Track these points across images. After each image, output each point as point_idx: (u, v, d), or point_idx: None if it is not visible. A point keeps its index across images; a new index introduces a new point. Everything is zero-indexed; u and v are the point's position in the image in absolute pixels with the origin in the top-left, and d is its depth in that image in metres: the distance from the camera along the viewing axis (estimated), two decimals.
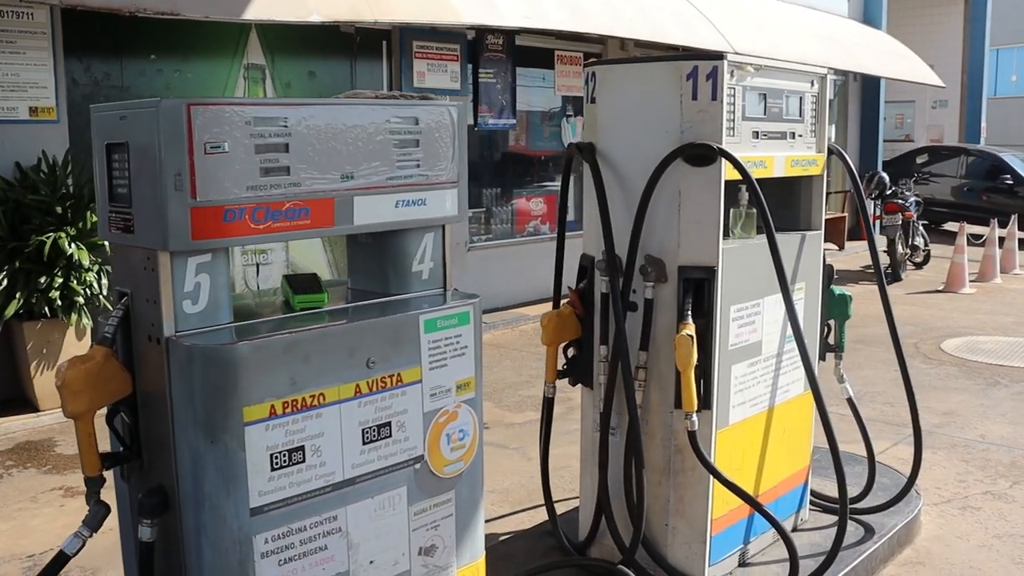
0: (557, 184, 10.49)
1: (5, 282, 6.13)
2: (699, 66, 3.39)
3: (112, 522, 2.48)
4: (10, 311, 6.09)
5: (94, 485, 2.35)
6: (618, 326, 3.54)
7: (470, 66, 9.45)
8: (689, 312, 3.45)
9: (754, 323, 3.73)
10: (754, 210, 3.63)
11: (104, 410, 2.37)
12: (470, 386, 2.67)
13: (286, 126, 2.27)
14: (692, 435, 3.44)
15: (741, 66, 3.46)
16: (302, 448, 2.30)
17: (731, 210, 3.66)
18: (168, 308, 2.21)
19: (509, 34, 9.54)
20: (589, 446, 3.92)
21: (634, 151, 3.59)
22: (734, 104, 3.44)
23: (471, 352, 2.65)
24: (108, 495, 2.43)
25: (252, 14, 6.47)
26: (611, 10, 9.17)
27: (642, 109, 3.56)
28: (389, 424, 2.48)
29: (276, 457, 2.25)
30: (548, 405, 4.03)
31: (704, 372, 3.50)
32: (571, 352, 3.94)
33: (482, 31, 9.27)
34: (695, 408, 3.42)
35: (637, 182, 3.55)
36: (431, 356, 2.56)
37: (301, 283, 2.55)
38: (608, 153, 3.68)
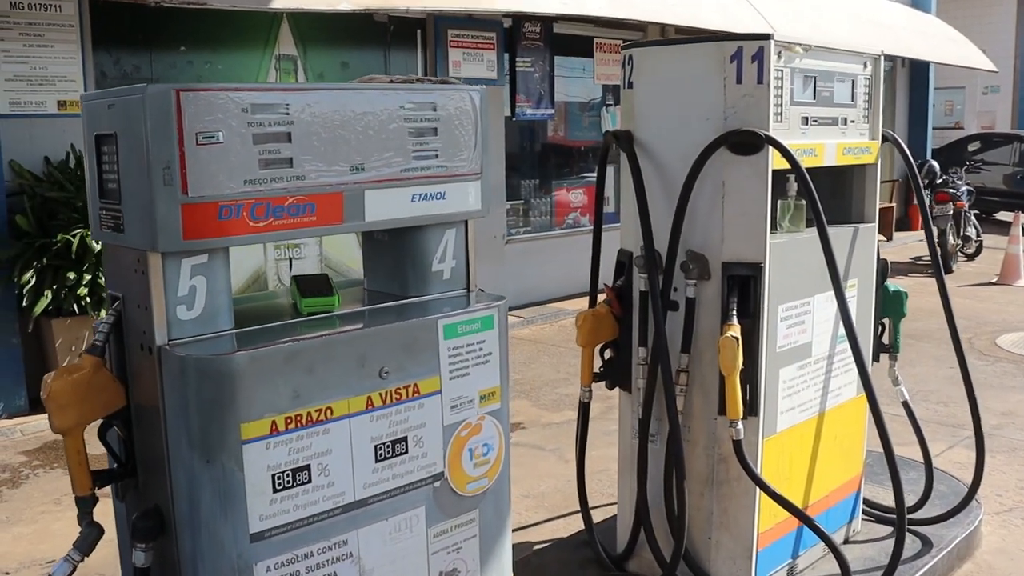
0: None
1: (34, 280, 6.02)
2: (744, 47, 3.14)
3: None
4: (39, 308, 5.99)
5: (85, 505, 2.17)
6: (657, 327, 3.31)
7: (507, 55, 9.21)
8: (734, 312, 3.21)
9: (804, 323, 3.47)
10: (803, 202, 3.38)
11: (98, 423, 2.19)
12: (495, 396, 2.45)
13: (288, 113, 2.06)
14: (737, 444, 3.20)
15: (789, 46, 3.20)
16: (308, 467, 2.10)
17: (779, 202, 3.41)
18: (160, 314, 2.02)
19: (547, 21, 9.28)
20: (627, 453, 3.70)
21: (674, 139, 3.34)
22: (781, 88, 3.19)
23: (496, 359, 2.44)
24: (107, 511, 2.25)
25: (280, 3, 6.30)
26: None
27: (682, 94, 3.31)
28: (405, 439, 2.27)
29: (278, 477, 2.06)
30: (584, 410, 3.80)
31: (750, 376, 3.26)
32: (608, 354, 3.71)
33: (519, 19, 9.03)
34: (740, 415, 3.18)
35: (678, 172, 3.30)
36: (452, 364, 2.34)
37: (310, 285, 2.34)
38: (646, 142, 3.44)
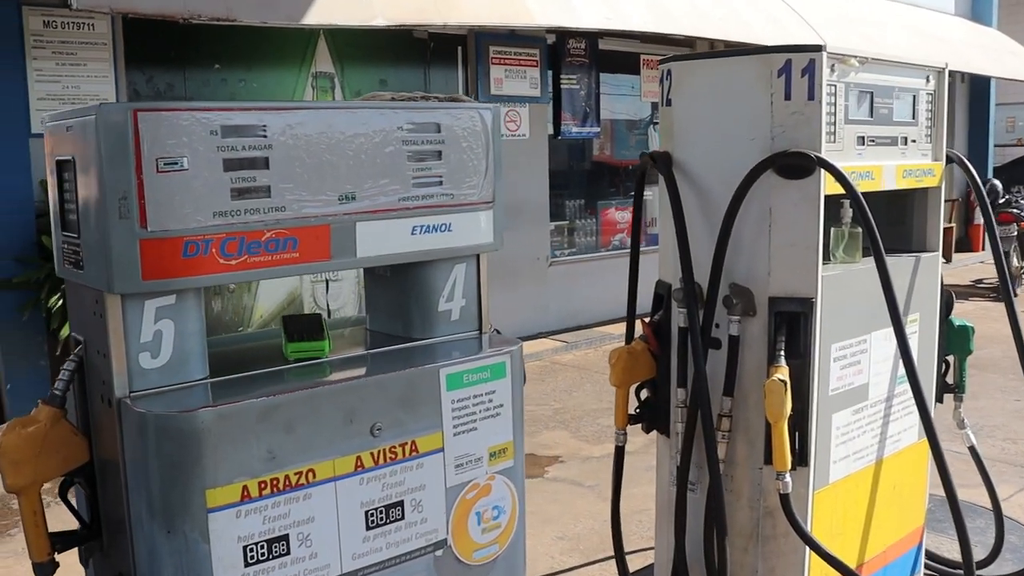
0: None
1: (61, 302, 5.89)
2: (793, 59, 2.84)
3: None
4: (66, 331, 5.84)
5: (43, 572, 1.93)
6: (697, 367, 3.00)
7: (550, 72, 8.96)
8: (782, 352, 2.89)
9: (859, 363, 3.14)
10: (859, 229, 3.06)
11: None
12: (507, 453, 2.18)
13: (265, 136, 1.82)
14: (785, 498, 2.88)
15: (843, 59, 2.89)
16: (286, 537, 1.84)
17: (832, 230, 3.09)
18: (120, 363, 1.78)
19: (591, 38, 9.03)
20: (665, 501, 3.39)
21: (716, 161, 3.05)
22: (835, 104, 2.88)
23: (508, 411, 2.17)
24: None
25: (313, 19, 6.13)
26: (698, 11, 8.58)
27: (725, 112, 3.02)
28: (401, 503, 2.00)
29: (251, 550, 1.80)
30: (618, 455, 3.51)
31: (800, 423, 2.94)
32: (645, 394, 3.42)
33: (563, 35, 8.78)
34: (788, 467, 2.86)
35: (720, 198, 3.00)
36: (456, 419, 2.08)
37: (298, 327, 2.10)
38: (686, 164, 3.14)
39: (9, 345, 5.87)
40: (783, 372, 2.84)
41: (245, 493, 1.78)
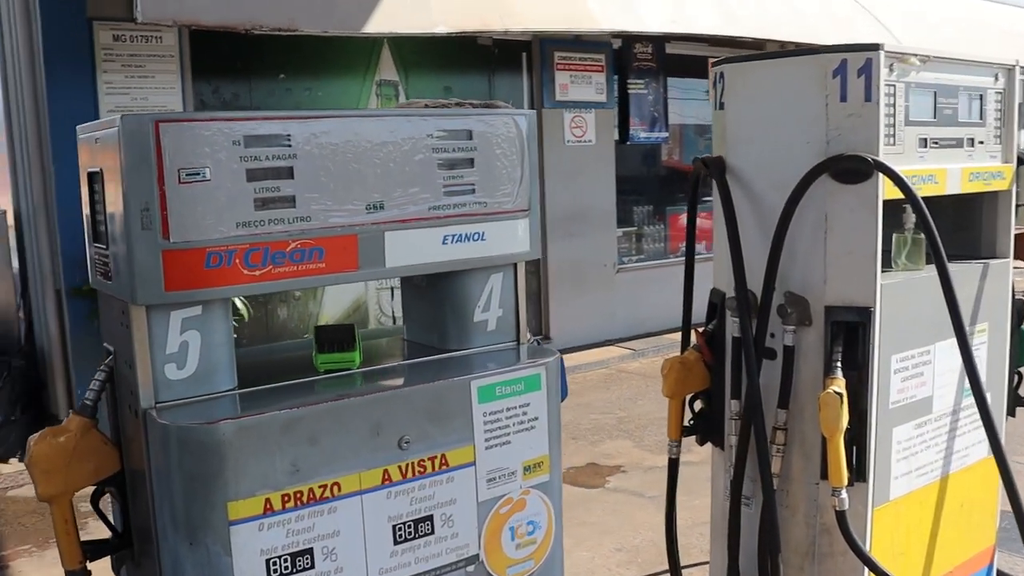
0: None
1: None
2: (848, 59, 2.73)
3: None
4: None
5: None
6: (750, 378, 2.90)
7: (616, 77, 8.87)
8: (838, 363, 2.78)
9: (923, 374, 3.00)
10: (922, 235, 2.92)
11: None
12: (543, 467, 2.12)
13: (289, 145, 1.80)
14: (841, 515, 2.76)
15: (903, 58, 2.77)
16: (310, 551, 1.82)
17: (893, 236, 2.96)
18: (145, 374, 1.78)
19: (658, 42, 8.91)
20: (719, 516, 3.29)
21: (770, 166, 2.94)
22: (894, 105, 2.76)
23: (544, 424, 2.11)
24: None
25: (374, 27, 6.16)
26: (766, 12, 8.39)
27: (779, 115, 2.91)
28: (430, 518, 1.96)
29: (274, 563, 1.78)
30: (672, 467, 3.42)
31: (857, 436, 2.81)
32: (699, 405, 3.33)
33: (629, 39, 8.69)
34: (845, 483, 2.75)
35: (774, 204, 2.90)
36: (488, 432, 2.03)
37: (330, 338, 2.07)
38: (739, 169, 3.05)
39: (79, 351, 6.01)
40: (839, 384, 2.72)
41: (268, 506, 1.76)
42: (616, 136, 8.97)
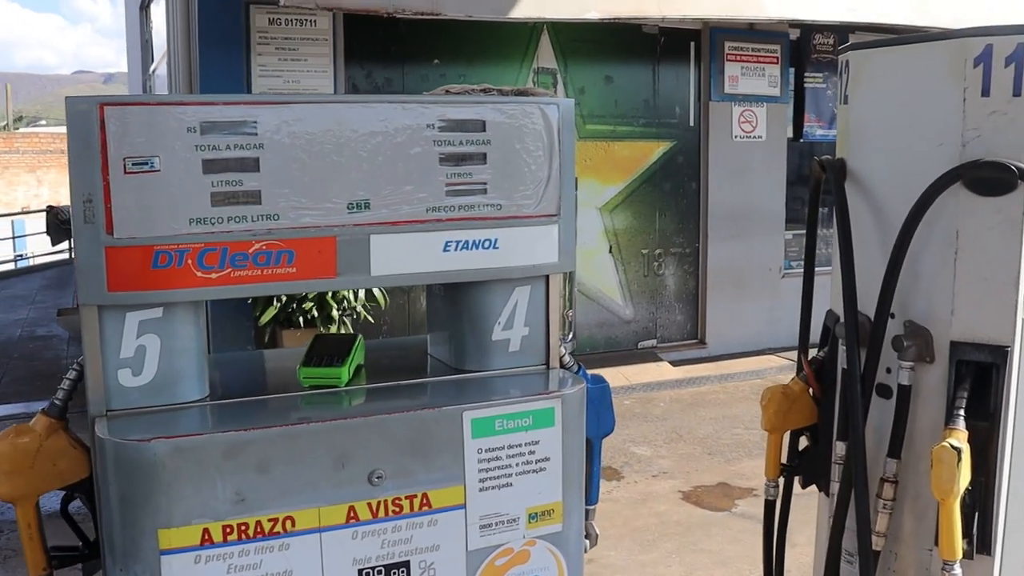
0: None
1: None
2: (994, 44, 2.25)
3: None
4: (266, 318, 6.06)
5: None
6: (853, 419, 2.47)
7: (792, 70, 8.26)
8: (962, 411, 2.31)
9: None
10: None
11: None
12: (553, 516, 1.83)
13: (255, 133, 1.59)
14: None
15: None
16: None
17: None
18: (96, 378, 1.63)
19: (841, 32, 8.21)
20: (819, 568, 2.88)
21: (895, 172, 2.50)
22: None
23: (557, 466, 1.82)
24: None
25: (522, 12, 5.93)
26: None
27: (906, 110, 2.46)
28: (406, 564, 1.72)
29: None
30: (768, 511, 3.01)
31: (983, 499, 2.35)
32: (805, 442, 2.91)
33: (808, 29, 8.06)
34: (958, 556, 2.28)
35: (898, 217, 2.45)
36: (484, 472, 1.76)
37: (323, 350, 1.86)
38: (861, 174, 2.61)
39: (218, 332, 6.15)
40: (959, 437, 2.26)
41: (206, 537, 1.57)
42: (789, 133, 8.36)
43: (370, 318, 6.50)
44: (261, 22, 6.28)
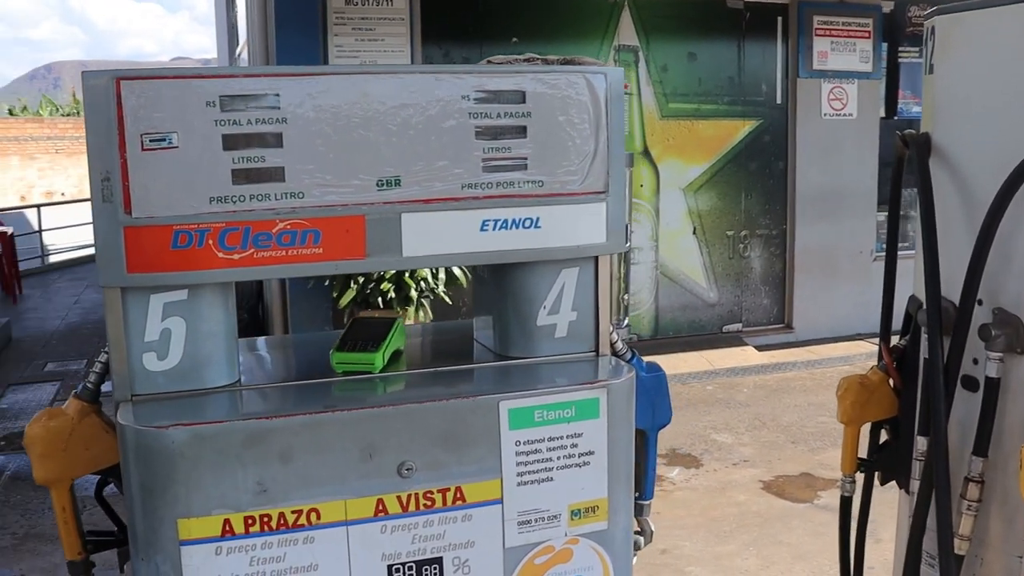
0: None
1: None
2: None
3: None
4: (345, 300, 6.06)
5: (77, 571, 1.81)
6: (934, 414, 2.29)
7: (885, 44, 7.90)
8: None
9: None
10: None
11: None
12: (598, 513, 1.72)
13: (278, 107, 1.51)
14: None
15: None
16: None
17: None
18: (120, 362, 1.58)
19: (938, 2, 7.82)
20: (899, 570, 2.70)
21: (984, 144, 2.30)
22: None
23: (603, 460, 1.70)
24: None
25: None
26: None
27: (999, 78, 2.26)
28: (439, 560, 1.63)
29: None
30: (844, 508, 2.84)
31: None
32: (884, 435, 2.73)
33: (903, 1, 7.69)
34: None
35: (987, 193, 2.27)
36: (522, 465, 1.66)
37: (359, 333, 1.78)
38: (947, 150, 2.42)
39: (297, 312, 6.19)
40: None
41: (227, 528, 1.51)
42: (882, 110, 8.00)
43: (447, 299, 6.46)
44: (338, 3, 6.27)
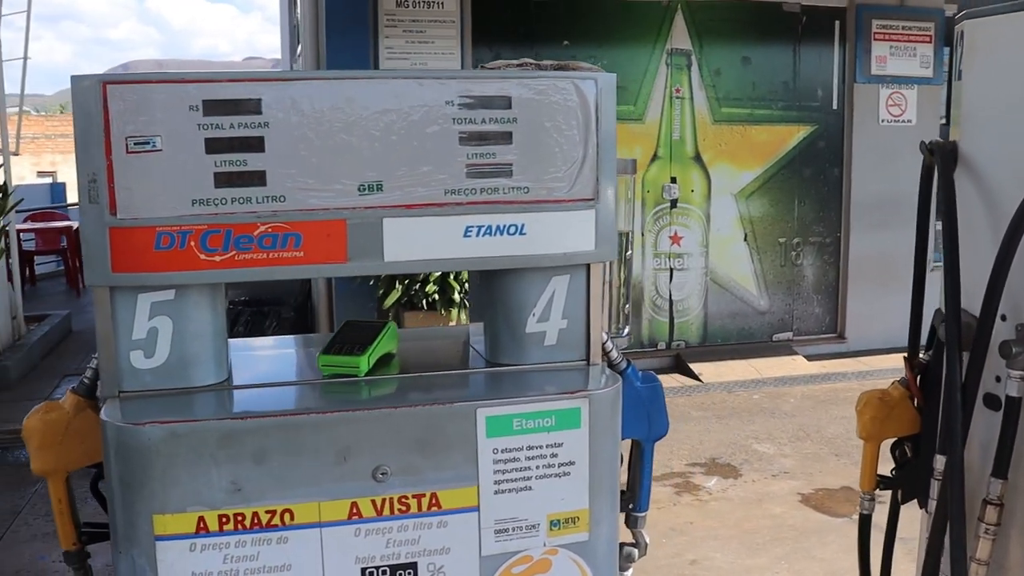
0: None
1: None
2: None
3: None
4: (390, 301, 6.11)
5: (71, 561, 1.86)
6: (950, 432, 2.23)
7: (946, 49, 7.70)
8: None
9: None
10: None
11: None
12: (578, 524, 1.71)
13: (260, 112, 1.53)
14: None
15: None
16: None
17: None
18: (108, 359, 1.62)
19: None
20: None
21: (1010, 153, 2.23)
22: None
23: (583, 471, 1.69)
24: None
25: None
26: None
27: None
28: (414, 566, 1.63)
29: None
30: (863, 526, 2.77)
31: None
32: (905, 452, 2.66)
33: (965, 4, 7.48)
34: None
35: (1012, 203, 2.20)
36: (500, 473, 1.65)
37: (348, 336, 1.80)
38: (974, 158, 2.35)
39: (342, 311, 6.26)
40: None
41: (202, 525, 1.53)
42: (943, 117, 7.80)
43: None
44: (389, 4, 6.33)
